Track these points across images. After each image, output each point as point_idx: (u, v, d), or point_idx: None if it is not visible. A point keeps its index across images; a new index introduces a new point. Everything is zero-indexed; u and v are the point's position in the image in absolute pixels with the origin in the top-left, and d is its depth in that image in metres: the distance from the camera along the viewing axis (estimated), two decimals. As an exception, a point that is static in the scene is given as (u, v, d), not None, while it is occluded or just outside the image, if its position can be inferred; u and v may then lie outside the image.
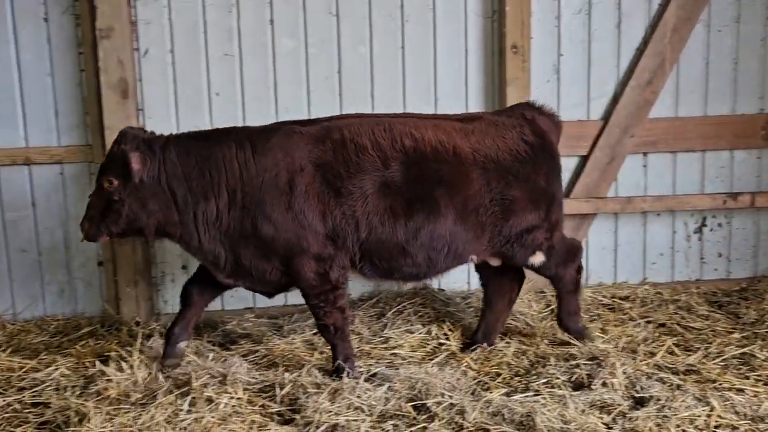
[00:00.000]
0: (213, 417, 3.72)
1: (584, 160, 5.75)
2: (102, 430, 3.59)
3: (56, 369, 4.49)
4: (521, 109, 4.74)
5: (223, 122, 5.00)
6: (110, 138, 4.71)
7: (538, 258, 4.61)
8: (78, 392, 4.13)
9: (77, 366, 4.61)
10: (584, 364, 4.31)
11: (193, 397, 3.90)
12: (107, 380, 4.15)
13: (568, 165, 5.76)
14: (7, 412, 4.00)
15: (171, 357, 4.50)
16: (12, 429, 3.82)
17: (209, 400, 3.89)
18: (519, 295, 5.02)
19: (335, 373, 4.31)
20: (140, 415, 3.74)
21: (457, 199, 4.31)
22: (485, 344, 4.76)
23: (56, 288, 5.56)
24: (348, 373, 4.25)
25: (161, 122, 5.21)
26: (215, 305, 5.47)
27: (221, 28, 5.36)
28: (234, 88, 5.43)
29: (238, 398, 3.94)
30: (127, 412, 3.78)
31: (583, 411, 3.78)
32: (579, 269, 4.79)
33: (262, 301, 5.46)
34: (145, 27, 5.29)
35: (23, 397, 4.17)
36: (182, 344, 4.56)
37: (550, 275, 4.75)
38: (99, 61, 5.16)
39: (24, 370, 4.58)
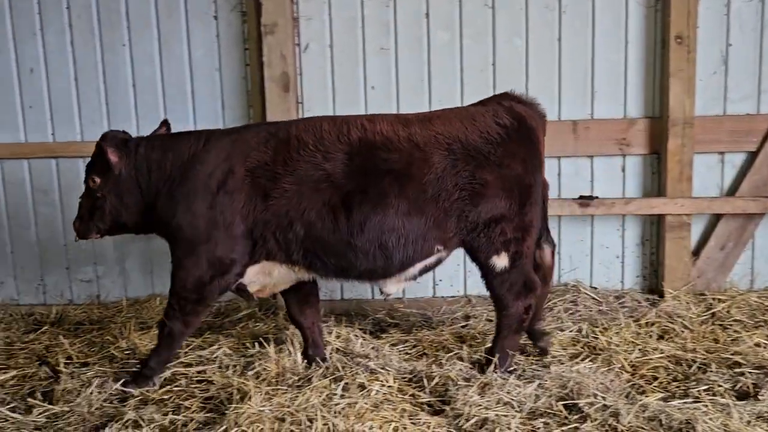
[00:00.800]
0: (366, 403, 3.81)
1: (753, 156, 5.43)
2: (261, 408, 3.76)
3: (219, 348, 4.75)
4: (497, 98, 4.42)
5: (378, 115, 5.10)
6: (272, 130, 4.92)
7: (501, 260, 4.16)
8: (239, 371, 4.36)
9: (237, 346, 4.87)
10: (750, 372, 4.08)
11: (346, 383, 4.02)
12: (266, 362, 4.35)
13: (734, 161, 5.47)
14: (176, 386, 4.27)
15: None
16: (180, 402, 4.09)
17: (361, 386, 3.99)
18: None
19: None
20: (296, 396, 3.89)
21: (411, 187, 4.07)
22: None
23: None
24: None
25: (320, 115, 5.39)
26: (366, 294, 5.61)
27: (378, 23, 5.47)
28: (389, 82, 5.52)
29: (389, 386, 4.02)
30: (284, 393, 3.95)
31: (749, 422, 3.57)
32: (528, 309, 4.25)
33: (411, 293, 5.55)
34: (306, 23, 5.49)
35: (190, 372, 4.45)
36: (320, 359, 4.50)
37: (498, 299, 4.24)
38: (263, 56, 5.40)
39: (190, 347, 4.88)
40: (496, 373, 4.14)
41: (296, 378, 4.20)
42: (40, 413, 4.07)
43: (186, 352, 4.76)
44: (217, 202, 4.13)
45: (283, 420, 3.66)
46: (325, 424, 3.59)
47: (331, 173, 4.07)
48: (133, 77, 5.68)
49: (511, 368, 4.28)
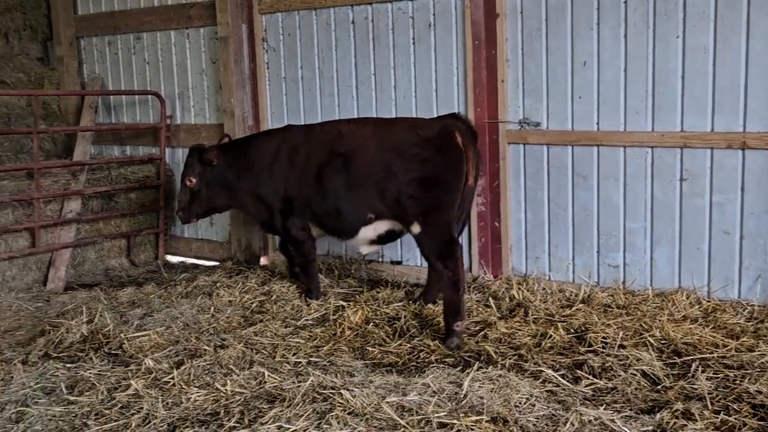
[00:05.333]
0: None
1: None
2: None
3: (762, 355, 4.54)
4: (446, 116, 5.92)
5: None
6: None
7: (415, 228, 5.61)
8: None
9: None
10: None
11: None
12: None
13: None
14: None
15: None
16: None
17: None
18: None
19: None
20: None
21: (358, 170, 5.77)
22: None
23: (753, 273, 5.60)
24: None
25: None
26: None
27: None
28: None
29: None
30: None
31: None
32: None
33: None
34: None
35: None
36: None
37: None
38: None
39: (727, 348, 4.76)
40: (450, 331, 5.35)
41: None
42: (587, 385, 4.39)
43: (721, 353, 4.64)
44: None
45: None
46: None
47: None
48: (682, 69, 5.66)
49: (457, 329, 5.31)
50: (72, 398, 4.44)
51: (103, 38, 8.96)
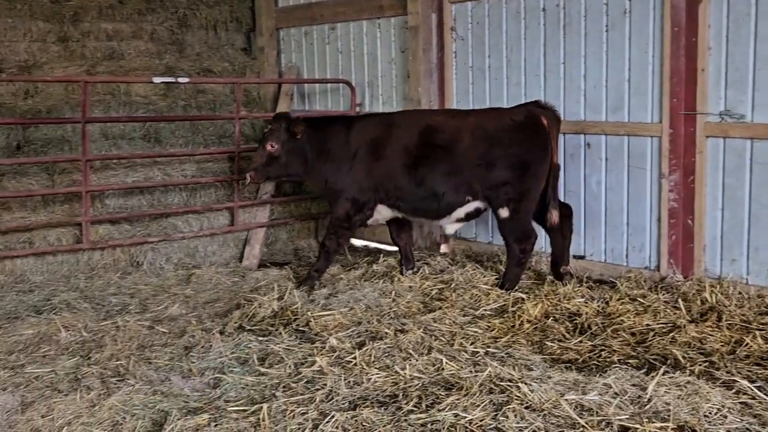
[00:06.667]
0: None
1: None
2: None
3: None
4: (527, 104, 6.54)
5: None
6: None
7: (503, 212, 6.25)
8: None
9: None
10: None
11: None
12: None
13: None
14: None
15: None
16: None
17: None
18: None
19: None
20: None
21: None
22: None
23: None
24: None
25: None
26: None
27: None
28: None
29: None
30: None
31: None
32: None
33: None
34: None
35: None
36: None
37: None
38: None
39: None
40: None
41: None
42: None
43: None
44: None
45: None
46: None
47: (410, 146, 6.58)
48: None
49: None
50: (263, 369, 4.74)
51: (300, 29, 9.40)
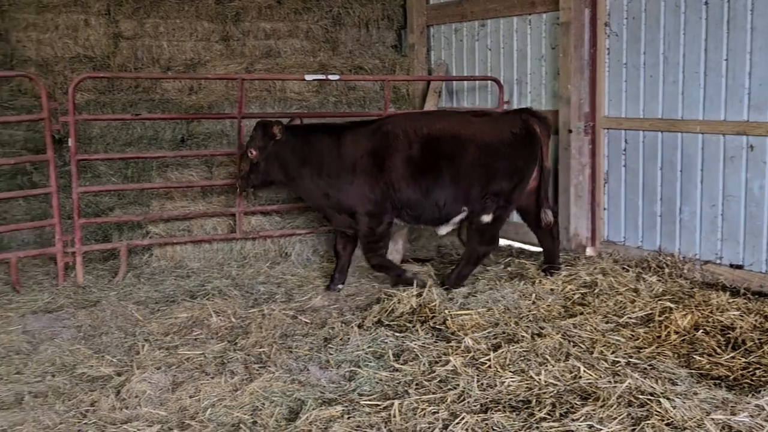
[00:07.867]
0: None
1: None
2: None
3: None
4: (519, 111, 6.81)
5: None
6: None
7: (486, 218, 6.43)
8: None
9: None
10: None
11: None
12: None
13: None
14: None
15: None
16: None
17: None
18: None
19: None
20: None
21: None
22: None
23: None
24: None
25: None
26: None
27: None
28: None
29: None
30: None
31: None
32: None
33: None
34: None
35: None
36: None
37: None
38: None
39: None
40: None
41: None
42: None
43: None
44: None
45: None
46: None
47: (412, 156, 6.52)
48: None
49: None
50: (397, 365, 4.79)
51: (450, 26, 9.40)
